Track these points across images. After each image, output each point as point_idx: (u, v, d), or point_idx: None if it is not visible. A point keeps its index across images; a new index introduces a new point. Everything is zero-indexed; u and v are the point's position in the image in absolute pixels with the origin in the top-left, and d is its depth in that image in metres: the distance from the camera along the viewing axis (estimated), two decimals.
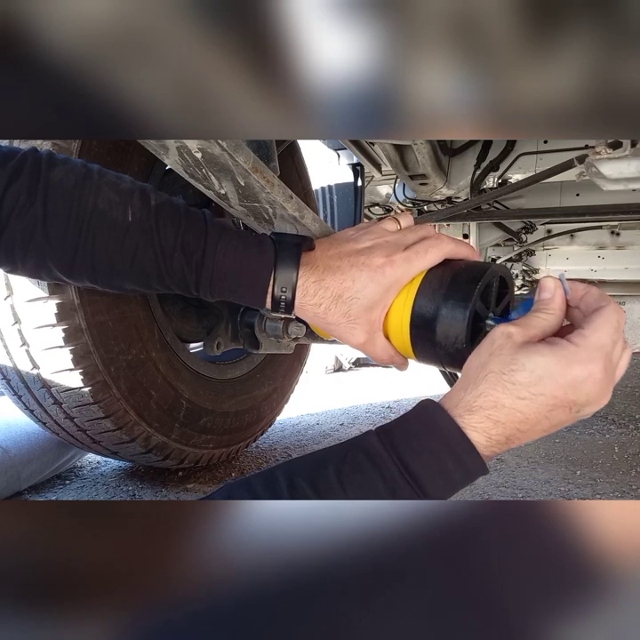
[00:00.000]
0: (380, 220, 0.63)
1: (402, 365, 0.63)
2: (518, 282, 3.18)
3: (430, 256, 0.58)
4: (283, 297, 0.57)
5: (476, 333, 0.55)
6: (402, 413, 0.47)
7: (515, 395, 0.43)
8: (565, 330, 0.50)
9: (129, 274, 0.58)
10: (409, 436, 0.44)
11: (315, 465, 0.44)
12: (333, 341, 0.76)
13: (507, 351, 0.45)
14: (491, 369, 0.45)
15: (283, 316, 0.59)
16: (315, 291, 0.57)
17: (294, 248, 0.58)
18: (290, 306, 0.58)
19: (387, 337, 0.60)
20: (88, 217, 0.55)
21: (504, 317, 0.55)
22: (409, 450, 0.43)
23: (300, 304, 0.58)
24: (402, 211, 2.07)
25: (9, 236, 0.54)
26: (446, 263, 0.59)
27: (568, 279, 0.50)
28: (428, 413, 0.46)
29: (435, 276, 0.58)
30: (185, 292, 0.60)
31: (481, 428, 0.44)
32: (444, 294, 0.55)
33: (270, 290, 0.58)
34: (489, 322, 0.55)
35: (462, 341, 0.53)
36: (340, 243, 0.60)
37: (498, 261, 2.71)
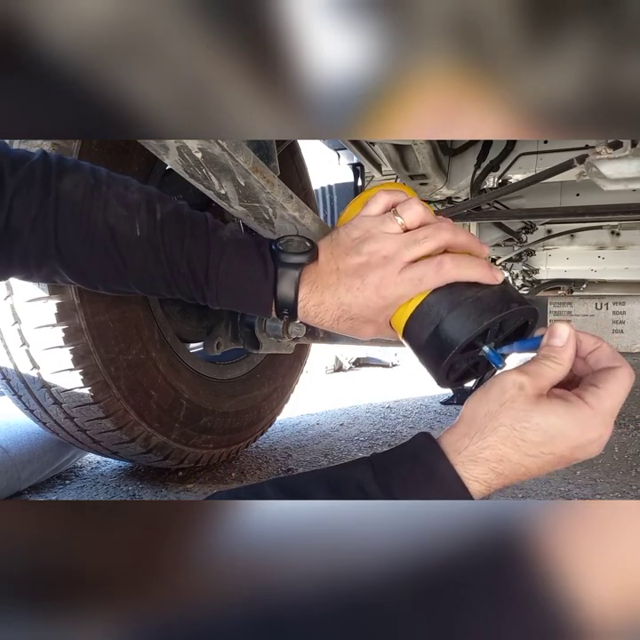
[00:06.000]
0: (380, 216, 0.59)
1: None
2: (518, 282, 3.16)
3: (438, 279, 0.53)
4: (285, 313, 0.59)
5: (469, 349, 0.53)
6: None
7: (523, 452, 0.44)
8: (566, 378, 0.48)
9: (139, 283, 0.61)
10: (408, 481, 0.44)
11: (304, 485, 0.44)
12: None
13: (519, 405, 0.44)
14: (501, 422, 0.44)
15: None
16: (315, 313, 0.58)
17: (294, 270, 0.57)
18: (293, 317, 0.60)
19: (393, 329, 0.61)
20: (98, 232, 0.57)
21: (501, 347, 0.53)
22: (406, 497, 0.43)
23: (303, 317, 0.60)
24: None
25: (23, 247, 0.55)
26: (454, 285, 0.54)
27: (578, 331, 0.47)
28: (429, 459, 0.45)
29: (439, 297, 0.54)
30: (192, 302, 0.64)
31: (483, 479, 0.44)
32: (443, 319, 0.52)
33: (273, 307, 0.60)
34: (485, 349, 0.53)
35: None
36: (340, 254, 0.57)
37: (498, 261, 2.70)
